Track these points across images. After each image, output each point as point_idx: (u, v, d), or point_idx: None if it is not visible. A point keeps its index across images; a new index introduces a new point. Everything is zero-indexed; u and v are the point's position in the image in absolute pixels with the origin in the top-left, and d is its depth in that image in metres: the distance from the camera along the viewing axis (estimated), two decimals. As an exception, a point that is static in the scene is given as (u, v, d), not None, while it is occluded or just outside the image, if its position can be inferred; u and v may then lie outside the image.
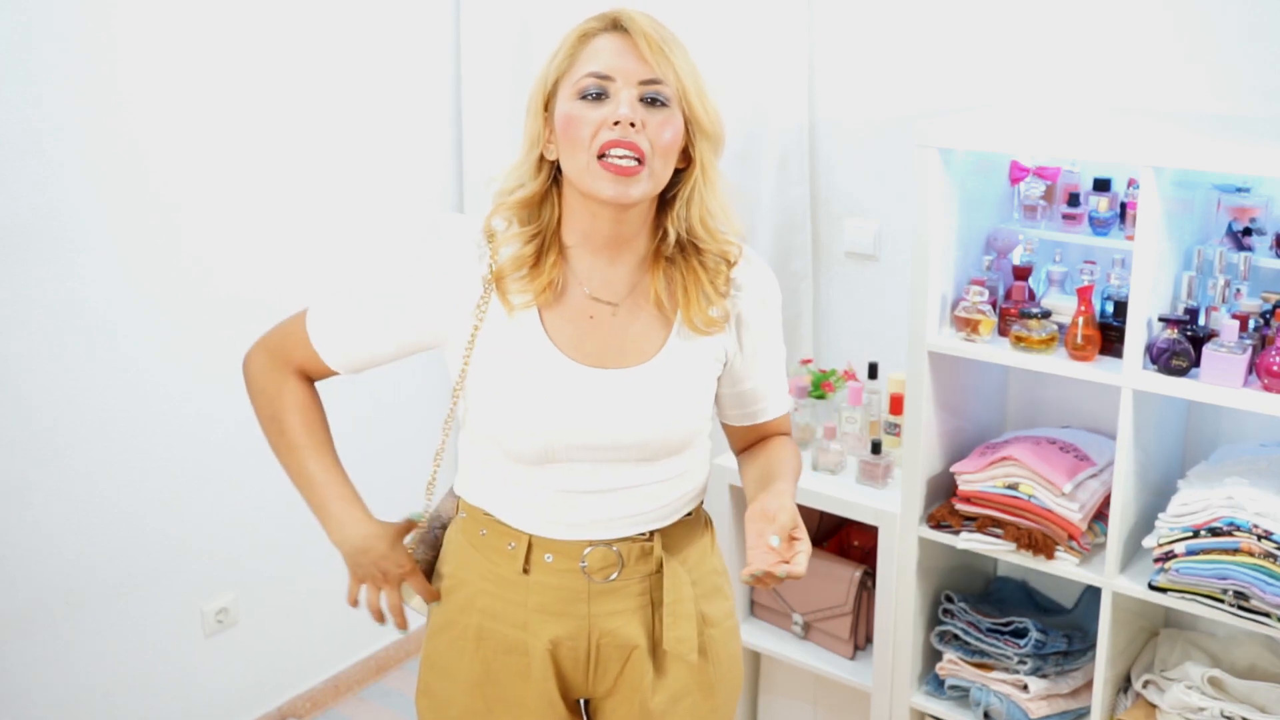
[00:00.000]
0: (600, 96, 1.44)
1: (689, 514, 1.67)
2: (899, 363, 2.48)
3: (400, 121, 3.00)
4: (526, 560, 1.58)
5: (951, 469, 2.37)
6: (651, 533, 1.62)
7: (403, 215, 3.00)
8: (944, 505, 2.39)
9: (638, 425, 1.53)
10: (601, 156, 1.43)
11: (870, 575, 2.56)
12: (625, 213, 1.49)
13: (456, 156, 3.13)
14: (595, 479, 1.55)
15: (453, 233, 1.55)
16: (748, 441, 1.75)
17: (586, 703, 1.72)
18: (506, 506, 1.59)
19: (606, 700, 1.68)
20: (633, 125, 1.42)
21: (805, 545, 1.46)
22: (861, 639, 2.61)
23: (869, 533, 2.58)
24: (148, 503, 2.63)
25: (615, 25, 1.47)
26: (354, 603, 1.68)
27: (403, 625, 1.68)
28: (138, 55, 2.44)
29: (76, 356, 2.45)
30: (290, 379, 1.62)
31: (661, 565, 1.61)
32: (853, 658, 2.61)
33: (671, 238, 1.54)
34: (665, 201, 1.54)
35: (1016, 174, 2.34)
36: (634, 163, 1.43)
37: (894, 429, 2.57)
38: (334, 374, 1.63)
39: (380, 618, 1.68)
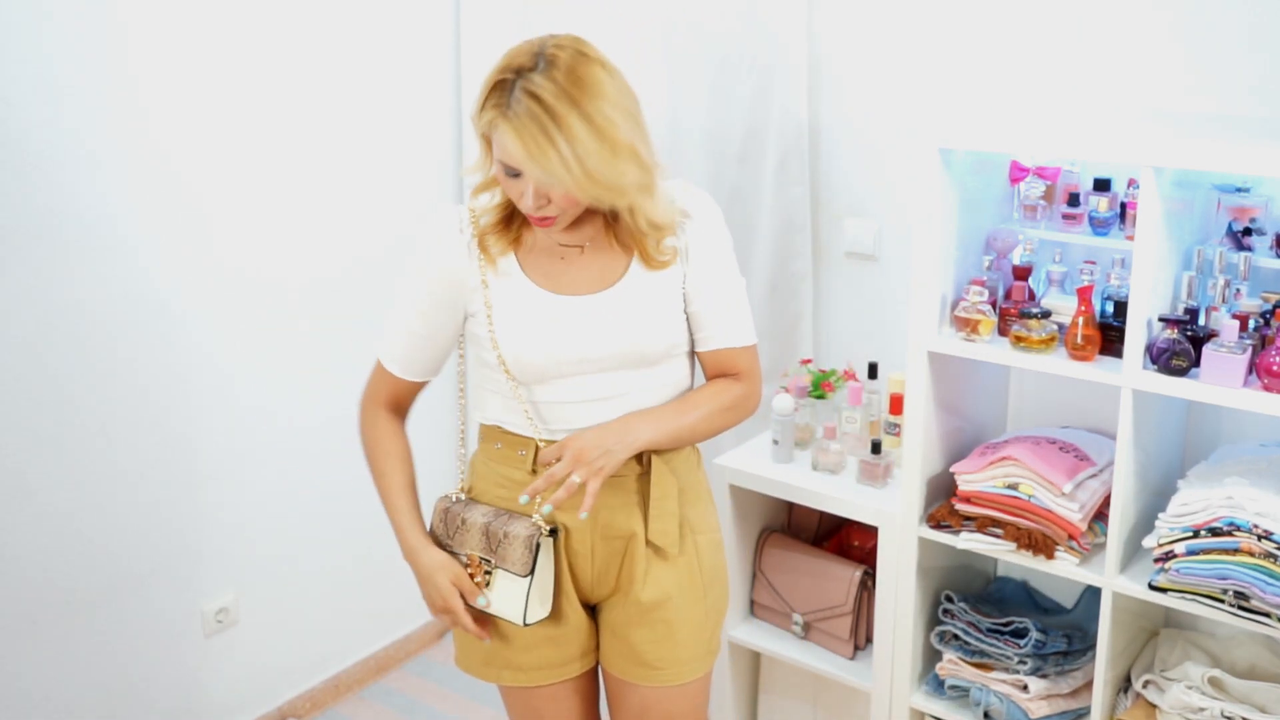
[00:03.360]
0: (517, 174, 1.65)
1: None
2: (899, 363, 2.48)
3: (404, 120, 3.01)
4: (534, 463, 1.82)
5: (951, 469, 2.36)
6: None
7: (400, 211, 3.02)
8: (944, 505, 2.39)
9: (611, 338, 1.78)
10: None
11: (870, 575, 2.56)
12: None
13: (457, 153, 3.14)
14: (585, 389, 1.80)
15: (439, 222, 1.80)
16: (711, 378, 1.90)
17: (596, 610, 1.93)
18: (515, 420, 1.83)
19: (609, 600, 1.90)
20: (541, 206, 1.67)
21: (582, 477, 1.73)
22: (861, 639, 2.61)
23: (869, 533, 2.58)
24: (148, 502, 2.63)
25: (506, 113, 1.61)
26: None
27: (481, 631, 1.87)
28: (157, 57, 2.47)
29: (74, 357, 2.45)
30: (380, 419, 1.89)
31: (649, 465, 1.83)
32: (853, 658, 2.61)
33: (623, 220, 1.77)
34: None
35: (1016, 174, 2.34)
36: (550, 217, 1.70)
37: (894, 429, 2.57)
38: (421, 385, 1.90)
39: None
